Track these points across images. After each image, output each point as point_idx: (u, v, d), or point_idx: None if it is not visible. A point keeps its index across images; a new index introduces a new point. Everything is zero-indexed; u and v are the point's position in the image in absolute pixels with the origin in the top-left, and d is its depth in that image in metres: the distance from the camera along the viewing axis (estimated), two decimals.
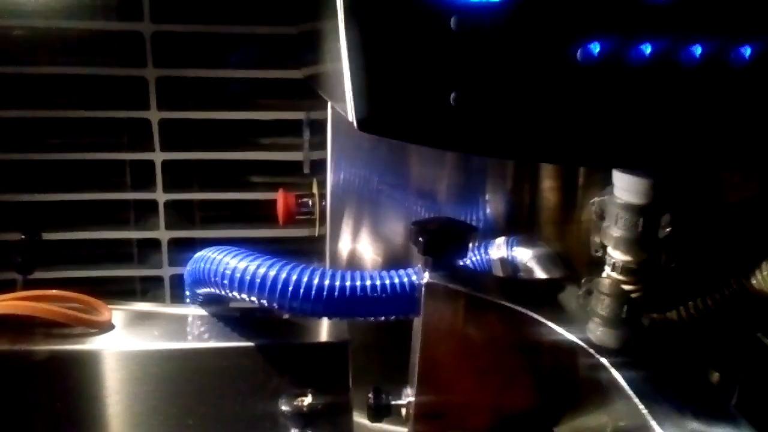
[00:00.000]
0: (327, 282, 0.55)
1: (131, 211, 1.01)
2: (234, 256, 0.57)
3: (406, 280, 0.55)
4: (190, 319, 0.63)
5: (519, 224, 0.63)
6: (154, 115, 0.94)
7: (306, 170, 0.88)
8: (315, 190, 0.76)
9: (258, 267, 0.55)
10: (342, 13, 0.42)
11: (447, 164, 0.65)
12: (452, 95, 0.43)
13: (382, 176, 0.67)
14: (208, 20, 0.89)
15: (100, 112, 0.93)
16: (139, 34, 0.87)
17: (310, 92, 0.93)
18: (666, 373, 0.45)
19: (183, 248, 1.04)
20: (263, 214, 0.99)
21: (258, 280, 0.54)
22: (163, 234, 0.99)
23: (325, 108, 0.80)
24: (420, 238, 0.50)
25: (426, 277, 0.50)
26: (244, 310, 0.63)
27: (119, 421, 0.56)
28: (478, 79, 0.43)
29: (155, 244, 1.00)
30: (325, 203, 0.69)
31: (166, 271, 0.97)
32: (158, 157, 0.95)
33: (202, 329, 0.61)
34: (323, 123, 0.84)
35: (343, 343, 0.58)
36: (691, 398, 0.42)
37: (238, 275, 0.55)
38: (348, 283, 0.55)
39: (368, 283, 0.55)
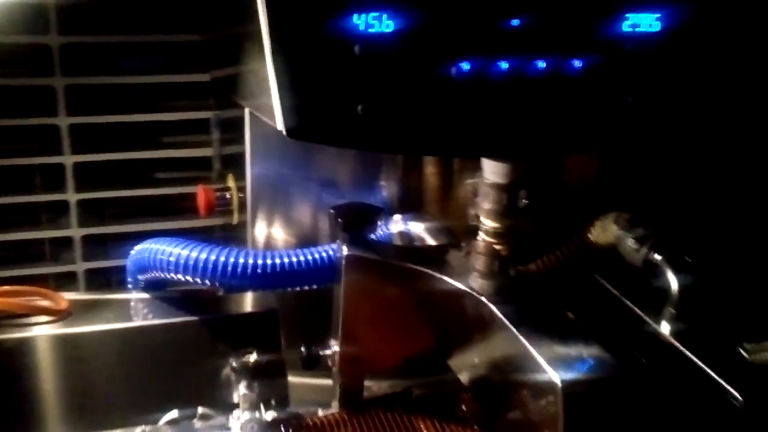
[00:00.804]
0: (259, 261, 0.66)
1: (43, 212, 1.07)
2: (174, 245, 0.67)
3: (325, 255, 0.68)
4: (133, 303, 0.72)
5: (411, 204, 0.77)
6: (64, 121, 1.00)
7: (217, 165, 0.98)
8: (231, 183, 0.86)
9: (200, 252, 0.65)
10: (269, 46, 0.53)
11: (349, 158, 0.78)
12: (359, 107, 0.55)
13: (294, 169, 0.78)
14: (115, 30, 0.96)
15: (11, 120, 0.99)
16: (47, 47, 0.93)
17: (215, 93, 1.03)
18: (532, 309, 0.59)
19: (94, 244, 1.11)
20: (173, 207, 1.08)
21: (200, 264, 0.65)
22: (76, 232, 1.06)
23: (232, 107, 0.90)
24: (339, 219, 0.63)
25: (345, 250, 0.63)
26: (183, 291, 0.72)
27: (85, 395, 0.65)
28: (378, 93, 0.56)
29: (68, 242, 1.07)
30: (244, 195, 0.80)
31: (80, 267, 1.04)
32: (68, 160, 1.02)
33: (147, 310, 0.70)
34: (232, 121, 0.94)
35: (273, 311, 0.70)
36: (553, 326, 0.57)
37: (182, 261, 0.65)
38: (277, 261, 0.66)
39: (294, 259, 0.67)
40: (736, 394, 0.52)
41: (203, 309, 0.70)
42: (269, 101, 0.56)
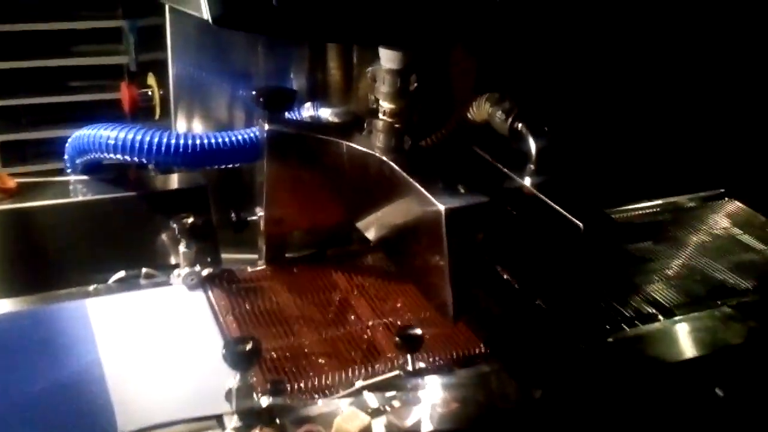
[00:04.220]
0: (189, 141, 0.75)
1: None
2: (111, 129, 0.75)
3: (247, 137, 0.78)
4: (72, 184, 0.80)
5: (318, 94, 0.87)
6: None
7: (133, 68, 1.04)
8: (152, 81, 0.93)
9: (135, 134, 0.74)
10: None
11: (261, 54, 0.87)
12: None
13: (210, 68, 0.87)
14: None
15: None
16: None
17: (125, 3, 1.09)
18: (421, 165, 0.71)
19: (12, 150, 1.17)
20: (87, 114, 1.14)
21: (137, 144, 0.74)
22: None
23: (146, 16, 0.97)
24: (261, 98, 0.73)
25: (267, 126, 0.73)
26: (118, 172, 0.81)
27: (40, 261, 0.74)
28: None
29: None
30: (167, 93, 0.87)
31: None
32: None
33: (86, 189, 0.79)
34: (148, 29, 1.00)
35: (203, 186, 0.81)
36: (438, 175, 0.69)
37: (120, 142, 0.74)
38: (206, 141, 0.76)
39: (221, 140, 0.77)
40: (577, 222, 0.67)
41: (139, 186, 0.80)
42: None
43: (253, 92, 0.74)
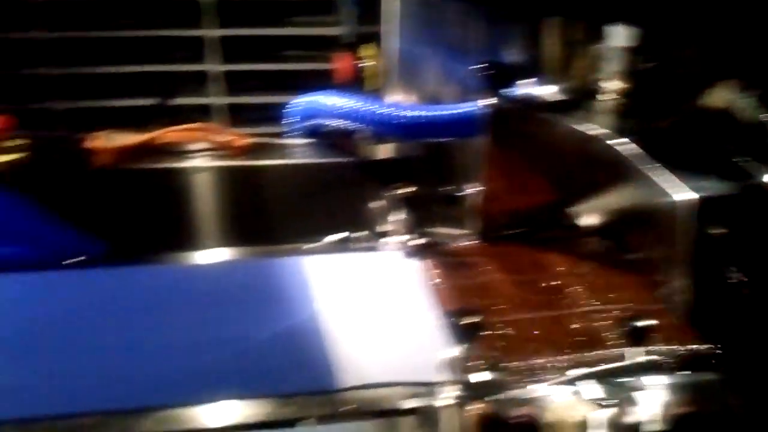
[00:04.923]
0: (414, 113, 0.76)
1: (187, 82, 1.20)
2: (340, 98, 0.78)
3: (466, 110, 0.77)
4: (289, 147, 0.84)
5: (535, 70, 0.85)
6: None
7: (351, 40, 1.07)
8: (368, 53, 0.95)
9: (363, 103, 0.76)
10: None
11: (476, 29, 0.85)
12: None
13: (427, 42, 0.87)
14: None
15: None
16: None
17: None
18: (651, 151, 0.67)
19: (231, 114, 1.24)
20: (295, 81, 1.18)
21: (363, 113, 0.76)
22: (221, 100, 1.18)
23: None
24: (486, 72, 0.72)
25: (492, 101, 0.72)
26: (337, 138, 0.84)
27: (262, 217, 0.78)
28: None
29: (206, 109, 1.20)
30: (384, 65, 0.89)
31: None
32: (213, 33, 1.14)
33: (305, 152, 0.82)
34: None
35: (413, 157, 0.81)
36: (670, 162, 0.65)
37: (346, 110, 0.76)
38: (428, 114, 0.77)
39: (441, 113, 0.77)
40: None
41: (354, 153, 0.82)
42: None
43: (478, 66, 0.73)
